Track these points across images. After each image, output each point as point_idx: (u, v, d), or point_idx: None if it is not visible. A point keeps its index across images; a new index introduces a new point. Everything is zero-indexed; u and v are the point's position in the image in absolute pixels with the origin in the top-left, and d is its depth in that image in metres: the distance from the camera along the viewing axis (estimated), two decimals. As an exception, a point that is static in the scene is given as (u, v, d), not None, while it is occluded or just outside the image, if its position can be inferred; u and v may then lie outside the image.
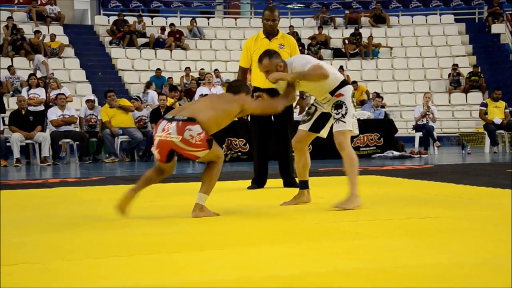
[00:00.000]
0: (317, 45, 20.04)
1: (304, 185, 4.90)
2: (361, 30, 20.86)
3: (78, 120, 11.77)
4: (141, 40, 19.61)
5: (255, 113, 4.53)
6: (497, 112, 12.72)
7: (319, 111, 4.73)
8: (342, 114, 4.57)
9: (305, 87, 4.74)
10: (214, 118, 4.21)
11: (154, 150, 4.26)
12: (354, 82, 16.42)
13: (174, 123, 4.13)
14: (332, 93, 4.62)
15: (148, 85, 15.76)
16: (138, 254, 3.06)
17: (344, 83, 4.65)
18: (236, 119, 6.14)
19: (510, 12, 21.66)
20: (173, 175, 8.58)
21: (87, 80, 17.64)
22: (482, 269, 2.63)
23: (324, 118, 4.71)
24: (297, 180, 6.21)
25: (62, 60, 18.03)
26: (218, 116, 4.24)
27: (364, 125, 11.12)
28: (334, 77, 4.62)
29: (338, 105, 4.59)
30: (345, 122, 4.56)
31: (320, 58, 17.35)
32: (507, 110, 12.89)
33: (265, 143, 6.26)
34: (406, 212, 4.29)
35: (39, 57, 15.82)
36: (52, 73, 15.46)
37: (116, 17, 20.11)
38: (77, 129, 11.88)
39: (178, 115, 4.20)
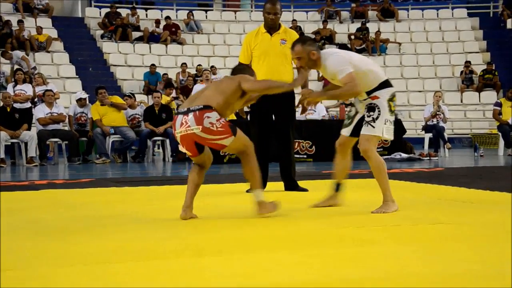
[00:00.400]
0: (321, 40, 20.07)
1: (338, 188, 4.94)
2: (368, 25, 20.89)
3: (67, 118, 11.78)
4: (135, 34, 19.64)
5: (255, 92, 4.56)
6: (512, 113, 12.74)
7: (359, 113, 4.75)
8: (373, 118, 4.59)
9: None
10: (225, 99, 4.30)
11: (181, 148, 4.37)
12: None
13: (191, 115, 4.20)
14: (369, 93, 4.62)
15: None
16: (131, 260, 3.08)
17: (384, 85, 4.63)
18: (247, 107, 6.16)
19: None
20: (168, 177, 8.61)
21: (77, 76, 17.66)
22: (494, 279, 2.64)
23: (362, 121, 4.72)
24: (299, 183, 6.25)
25: (50, 54, 18.05)
26: (227, 97, 4.32)
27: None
28: (374, 77, 4.61)
29: (371, 108, 4.61)
30: (374, 127, 4.58)
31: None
32: (523, 110, 12.90)
33: (265, 144, 6.27)
34: (414, 218, 4.30)
35: (18, 53, 15.82)
36: (34, 68, 15.46)
37: (108, 9, 20.14)
38: (66, 128, 11.88)
39: (192, 105, 4.26)
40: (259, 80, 4.87)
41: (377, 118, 4.58)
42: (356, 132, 4.76)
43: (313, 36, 20.28)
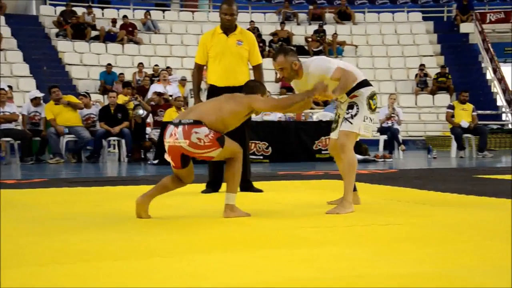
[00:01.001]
0: (278, 42, 20.14)
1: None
2: (325, 27, 21.05)
3: (20, 118, 11.57)
4: (91, 33, 19.40)
5: (269, 111, 4.63)
6: (464, 115, 12.96)
7: (342, 115, 4.83)
8: (351, 115, 4.71)
9: None
10: (220, 119, 4.30)
11: (167, 157, 4.38)
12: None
13: (180, 128, 4.23)
14: (348, 93, 4.73)
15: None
16: (80, 261, 3.03)
17: (362, 84, 4.75)
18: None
19: (479, 11, 22.11)
20: (122, 177, 8.53)
21: (31, 75, 17.39)
22: (443, 279, 2.68)
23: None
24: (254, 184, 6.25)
25: (3, 52, 17.72)
26: (224, 117, 4.32)
27: (326, 127, 11.21)
28: (352, 78, 4.72)
29: (350, 106, 4.74)
30: (352, 123, 4.69)
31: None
32: (475, 113, 13.13)
33: (221, 145, 6.25)
34: (367, 219, 4.34)
35: None
36: None
37: (63, 8, 19.87)
38: (19, 127, 11.68)
39: (185, 118, 4.30)
40: (271, 101, 4.83)
41: (355, 115, 4.70)
42: None
43: (270, 38, 20.36)
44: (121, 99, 12.97)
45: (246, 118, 4.57)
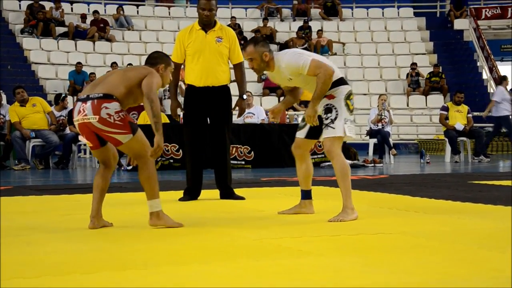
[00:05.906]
0: (261, 39, 20.16)
1: (306, 195, 5.01)
2: (310, 23, 21.11)
3: (-18, 121, 11.48)
4: (59, 30, 19.33)
5: (144, 96, 4.34)
6: (459, 117, 13.05)
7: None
8: (331, 119, 4.69)
9: (300, 83, 4.82)
10: (129, 89, 4.26)
11: (81, 138, 4.36)
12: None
13: (89, 103, 4.21)
14: None
15: None
16: (46, 275, 3.02)
17: (339, 82, 4.74)
18: (181, 109, 6.12)
19: (474, 6, 22.30)
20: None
21: (-6, 74, 17.28)
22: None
23: (320, 122, 4.76)
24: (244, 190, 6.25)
25: (-36, 50, 17.61)
26: (131, 86, 4.27)
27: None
28: None
29: (328, 109, 4.71)
30: (334, 128, 4.68)
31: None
32: (470, 115, 13.22)
33: (199, 149, 6.26)
34: (355, 227, 4.36)
35: None
36: None
37: (28, 2, 19.76)
38: (-19, 131, 11.60)
39: (92, 93, 4.26)
40: (154, 88, 4.44)
41: (335, 118, 4.69)
42: (312, 134, 4.84)
43: (252, 35, 20.39)
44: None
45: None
